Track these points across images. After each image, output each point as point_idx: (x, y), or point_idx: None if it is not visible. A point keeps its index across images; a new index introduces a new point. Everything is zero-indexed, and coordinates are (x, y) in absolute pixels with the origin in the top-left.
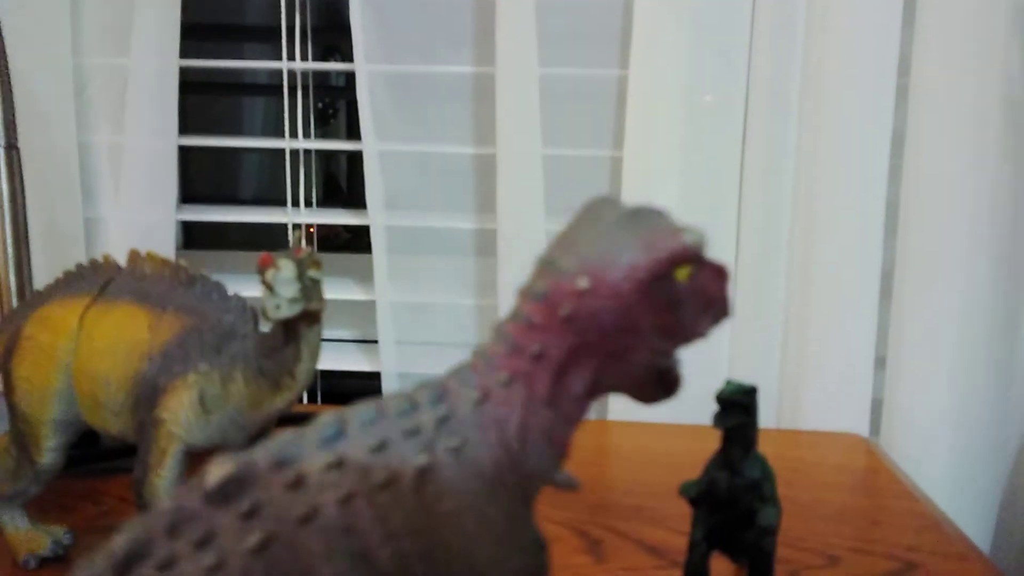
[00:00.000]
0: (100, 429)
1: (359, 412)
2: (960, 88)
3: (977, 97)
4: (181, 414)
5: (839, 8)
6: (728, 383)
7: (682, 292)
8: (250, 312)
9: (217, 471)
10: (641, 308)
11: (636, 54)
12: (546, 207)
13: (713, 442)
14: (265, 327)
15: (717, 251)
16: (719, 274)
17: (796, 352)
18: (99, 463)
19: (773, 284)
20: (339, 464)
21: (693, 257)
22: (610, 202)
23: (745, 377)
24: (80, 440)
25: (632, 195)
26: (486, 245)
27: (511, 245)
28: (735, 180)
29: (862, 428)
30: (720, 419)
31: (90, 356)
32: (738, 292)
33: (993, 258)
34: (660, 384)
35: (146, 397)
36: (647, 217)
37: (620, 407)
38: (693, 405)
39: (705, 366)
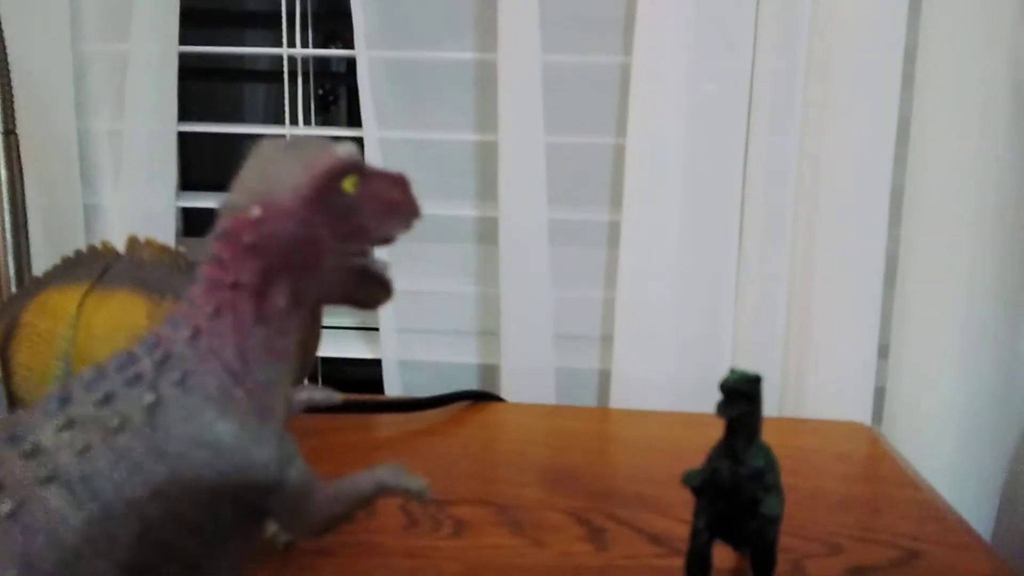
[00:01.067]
0: None
1: (80, 377)
2: (967, 74)
3: (984, 83)
4: None
5: None
6: (732, 371)
7: (354, 200)
8: None
9: None
10: (316, 221)
11: (640, 41)
12: (548, 195)
13: (716, 430)
14: None
15: (720, 238)
16: (394, 181)
17: (799, 340)
18: None
19: (777, 272)
20: (70, 423)
21: (349, 168)
22: (271, 141)
23: (748, 364)
24: None
25: (635, 184)
26: (488, 233)
27: (513, 233)
28: (739, 168)
29: (864, 417)
30: (724, 408)
31: (89, 343)
32: (741, 280)
33: (998, 246)
34: (367, 285)
35: None
36: (304, 144)
37: (622, 396)
38: (695, 392)
39: (708, 353)
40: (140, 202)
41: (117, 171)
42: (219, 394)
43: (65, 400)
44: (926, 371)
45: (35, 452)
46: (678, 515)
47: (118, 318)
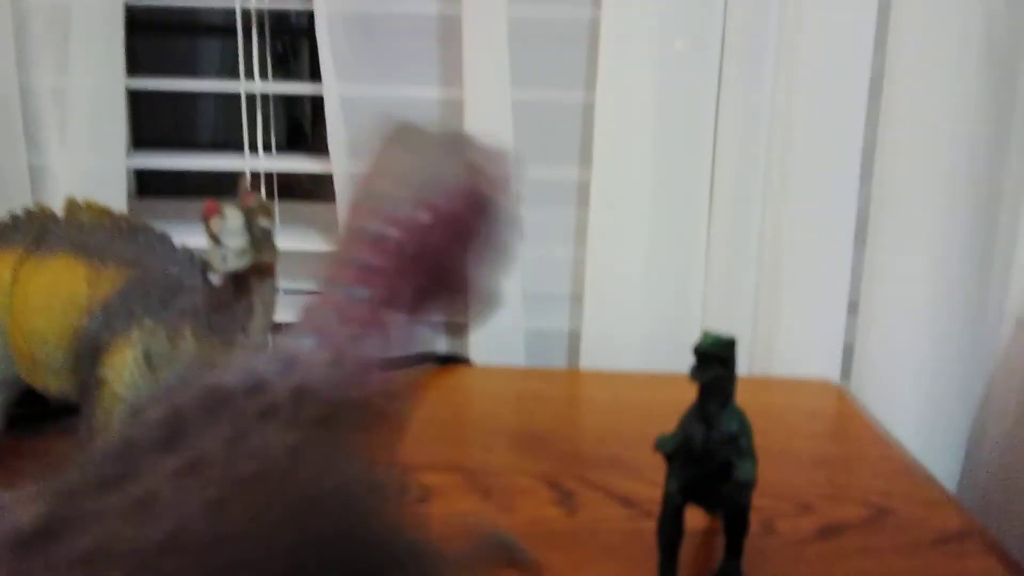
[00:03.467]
0: (41, 389)
1: (195, 393)
2: (940, 29)
3: (958, 37)
4: (125, 373)
5: None
6: (706, 335)
7: (501, 213)
8: (198, 264)
9: (28, 512)
10: (473, 232)
11: None
12: (516, 152)
13: (687, 391)
14: (216, 280)
15: (690, 196)
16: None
17: (769, 297)
18: (47, 422)
19: (747, 228)
20: (192, 466)
21: (511, 179)
22: (414, 129)
23: (718, 322)
24: (26, 398)
25: (604, 141)
26: None
27: None
28: (710, 125)
29: (833, 373)
30: (697, 372)
31: (25, 312)
32: (712, 237)
33: (970, 202)
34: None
35: (87, 355)
36: (463, 140)
37: (592, 356)
38: (666, 351)
39: (678, 312)
40: (88, 162)
41: (63, 130)
42: (366, 435)
43: (179, 428)
44: (894, 327)
45: (145, 505)
46: (649, 477)
47: (55, 286)
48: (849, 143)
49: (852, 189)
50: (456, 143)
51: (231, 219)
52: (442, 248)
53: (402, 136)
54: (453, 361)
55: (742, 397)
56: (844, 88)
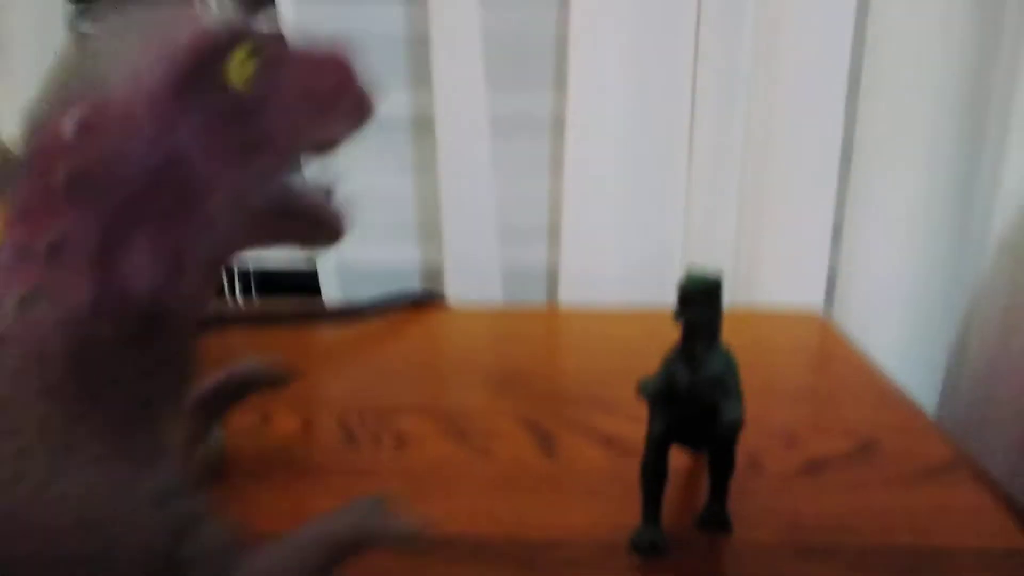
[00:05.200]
0: None
1: None
2: None
3: None
4: None
5: None
6: (690, 272)
7: (249, 97)
8: None
9: None
10: (181, 136)
11: None
12: (487, 81)
13: (669, 326)
14: None
15: (670, 121)
16: (322, 62)
17: (752, 224)
18: None
19: (730, 154)
20: None
21: (230, 43)
22: (108, 17)
23: (699, 248)
24: None
25: (579, 66)
26: (423, 123)
27: (451, 123)
28: (690, 47)
29: (817, 299)
30: (682, 312)
31: None
32: (693, 161)
33: (955, 125)
34: (301, 225)
35: None
36: (155, 15)
37: (570, 290)
38: (647, 284)
39: (658, 241)
40: None
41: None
42: (46, 438)
43: None
44: (878, 252)
45: None
46: (631, 416)
47: None
48: (834, 65)
49: (837, 112)
50: (145, 21)
51: None
52: (118, 167)
53: (86, 32)
54: (427, 299)
55: (725, 331)
56: (829, 9)
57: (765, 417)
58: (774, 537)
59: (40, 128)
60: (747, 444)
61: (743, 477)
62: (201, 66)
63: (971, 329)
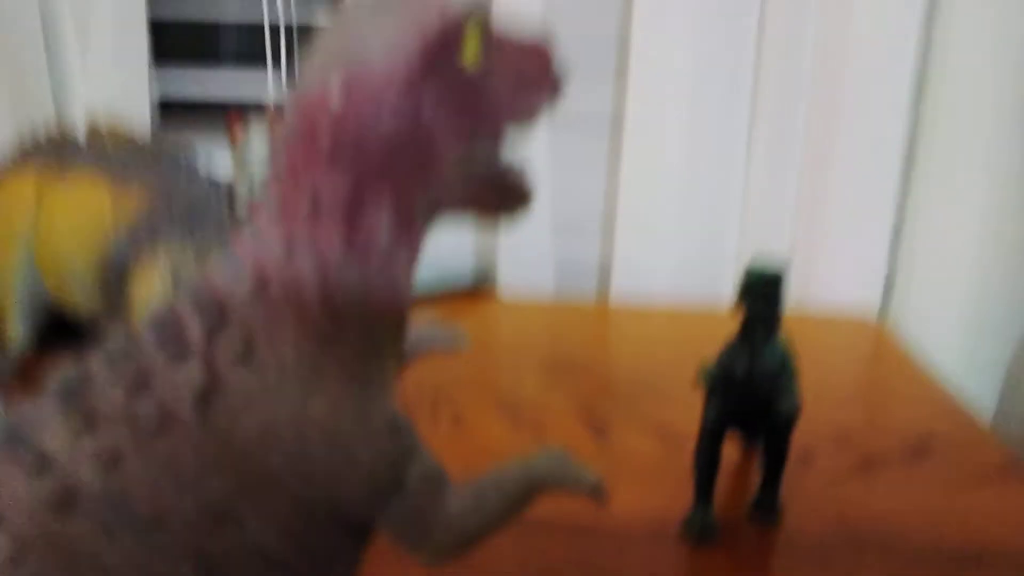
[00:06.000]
0: (71, 310)
1: (104, 347)
2: None
3: None
4: (152, 294)
5: None
6: (754, 264)
7: (479, 75)
8: (223, 187)
9: None
10: (425, 106)
11: None
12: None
13: (721, 326)
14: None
15: (729, 118)
16: (529, 47)
17: (809, 224)
18: (76, 344)
19: (788, 152)
20: (90, 423)
21: (469, 26)
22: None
23: (755, 246)
24: (56, 323)
25: (640, 62)
26: None
27: None
28: (752, 43)
29: (873, 301)
30: (743, 302)
31: (51, 232)
32: (752, 159)
33: (1021, 130)
34: (499, 192)
35: (114, 276)
36: None
37: (624, 284)
38: (701, 279)
39: (713, 238)
40: (111, 77)
41: (86, 44)
42: (300, 368)
43: (81, 384)
44: (937, 257)
45: (43, 466)
46: (684, 408)
47: (81, 205)
48: (901, 64)
49: (901, 112)
50: (394, 2)
51: (255, 143)
52: (372, 135)
53: (342, 11)
54: (480, 286)
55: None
56: (896, 8)
57: (819, 416)
58: (823, 530)
59: (305, 94)
60: (800, 441)
61: (795, 472)
62: (447, 42)
63: None
